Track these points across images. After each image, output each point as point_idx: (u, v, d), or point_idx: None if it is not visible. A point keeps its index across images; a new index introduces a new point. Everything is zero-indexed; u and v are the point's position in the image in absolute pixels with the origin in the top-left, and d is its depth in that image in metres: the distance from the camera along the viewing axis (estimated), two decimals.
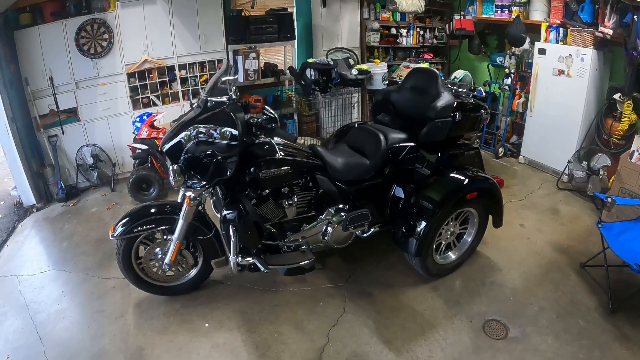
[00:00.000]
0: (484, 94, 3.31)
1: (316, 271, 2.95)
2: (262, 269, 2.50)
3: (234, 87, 2.46)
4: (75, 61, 4.20)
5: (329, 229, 2.75)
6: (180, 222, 2.51)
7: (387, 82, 5.04)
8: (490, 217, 3.04)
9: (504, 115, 5.29)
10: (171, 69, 4.65)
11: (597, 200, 3.94)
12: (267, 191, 2.58)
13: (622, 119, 4.01)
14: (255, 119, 2.36)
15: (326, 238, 2.76)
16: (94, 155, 4.43)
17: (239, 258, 2.48)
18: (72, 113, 4.36)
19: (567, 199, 4.24)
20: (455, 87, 3.22)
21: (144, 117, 4.02)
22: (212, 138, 2.16)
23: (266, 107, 2.51)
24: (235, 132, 2.22)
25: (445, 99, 2.77)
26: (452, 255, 3.02)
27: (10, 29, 3.93)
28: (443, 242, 2.92)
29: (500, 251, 3.29)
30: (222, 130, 2.18)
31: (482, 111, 2.98)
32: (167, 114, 4.37)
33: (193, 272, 2.85)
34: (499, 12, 5.15)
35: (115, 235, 2.53)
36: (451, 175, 2.83)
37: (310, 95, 4.86)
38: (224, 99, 2.33)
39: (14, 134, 3.98)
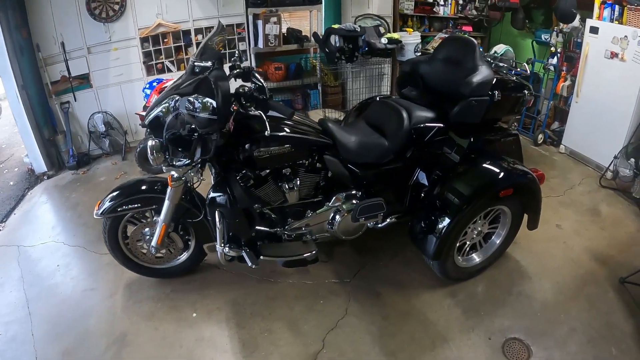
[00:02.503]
0: (527, 72, 2.75)
1: (321, 263, 2.54)
2: (250, 264, 2.09)
3: (236, 52, 2.09)
4: (87, 26, 3.87)
5: (337, 217, 2.32)
6: (166, 204, 2.13)
7: (419, 53, 4.43)
8: (526, 216, 2.50)
9: (547, 99, 4.57)
10: (187, 33, 4.23)
11: None
12: (266, 171, 2.17)
13: None
14: (245, 89, 1.92)
15: (333, 228, 2.34)
16: (105, 123, 4.12)
17: (227, 248, 2.08)
18: (84, 79, 4.06)
19: (609, 198, 3.62)
20: (495, 62, 2.66)
21: (154, 84, 3.63)
22: (191, 110, 1.74)
23: (255, 73, 2.04)
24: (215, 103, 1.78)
25: (483, 73, 2.22)
26: (476, 258, 2.52)
27: None
28: (468, 242, 2.43)
29: (532, 255, 2.77)
30: (204, 100, 1.74)
31: (526, 91, 2.45)
32: None
33: (184, 256, 2.50)
34: None
35: (99, 213, 2.21)
36: (484, 166, 2.30)
37: (335, 64, 4.34)
38: (209, 63, 1.89)
39: (24, 102, 3.75)
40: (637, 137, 3.80)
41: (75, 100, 4.05)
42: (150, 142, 1.85)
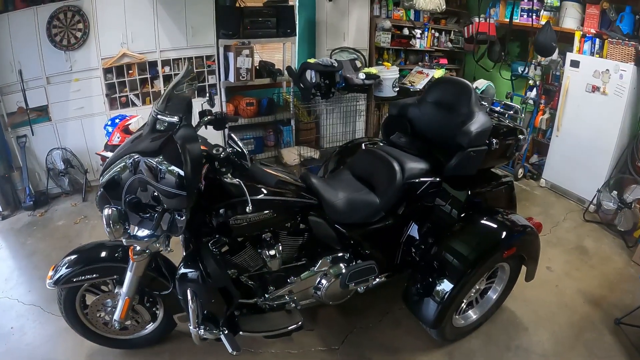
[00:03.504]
0: (518, 111, 2.63)
1: (305, 329, 2.28)
2: (230, 349, 1.79)
3: (207, 94, 1.90)
4: (47, 53, 3.52)
5: (324, 282, 2.07)
6: (129, 276, 1.82)
7: (397, 88, 4.28)
8: (524, 268, 2.33)
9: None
10: (153, 64, 3.93)
11: (630, 245, 3.28)
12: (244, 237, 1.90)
13: None
14: (219, 150, 1.66)
15: (319, 293, 2.08)
16: (64, 160, 3.74)
17: (202, 330, 1.79)
18: (42, 111, 3.68)
19: (594, 233, 3.56)
20: (489, 106, 2.52)
21: (117, 121, 3.30)
22: (154, 178, 1.46)
23: (233, 136, 1.78)
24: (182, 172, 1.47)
25: (480, 121, 2.06)
26: (472, 315, 2.32)
27: None
28: (465, 301, 2.23)
29: (526, 304, 2.61)
30: (170, 168, 1.46)
31: (521, 136, 2.31)
32: (145, 116, 3.64)
33: (151, 327, 2.18)
34: (525, 16, 4.38)
35: (52, 283, 1.87)
36: (484, 223, 2.11)
37: (310, 100, 4.12)
38: (175, 118, 1.61)
39: None
40: (618, 170, 3.77)
41: (33, 134, 3.66)
42: (106, 211, 1.55)
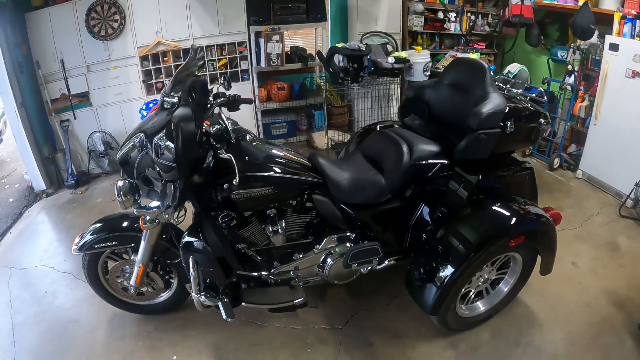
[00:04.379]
0: (543, 96, 2.48)
1: (311, 307, 2.33)
2: (225, 317, 1.87)
3: (222, 78, 1.93)
4: (87, 44, 3.77)
5: (329, 261, 2.09)
6: (143, 244, 1.95)
7: (429, 72, 4.16)
8: (539, 258, 2.21)
9: (563, 120, 4.23)
10: (187, 51, 4.02)
11: None
12: (249, 212, 1.96)
13: None
14: (215, 128, 1.72)
15: (324, 272, 2.10)
16: (104, 142, 4.00)
17: (203, 297, 1.87)
18: (84, 97, 3.96)
19: (629, 230, 3.29)
20: (507, 86, 2.40)
21: (151, 105, 3.50)
22: (153, 152, 1.55)
23: (221, 114, 1.83)
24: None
25: (493, 102, 1.96)
26: (480, 307, 2.24)
27: (21, 11, 3.57)
28: (472, 290, 2.17)
29: (544, 299, 2.48)
30: (166, 144, 1.55)
31: (542, 120, 2.18)
32: None
33: (166, 294, 2.31)
34: None
35: (77, 249, 2.06)
36: (494, 209, 2.03)
37: (339, 85, 4.12)
38: (175, 99, 1.70)
39: (24, 119, 3.67)
40: None
41: (75, 119, 3.94)
42: (118, 183, 1.68)
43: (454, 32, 4.80)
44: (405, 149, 2.04)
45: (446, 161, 2.07)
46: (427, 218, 2.16)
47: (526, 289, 2.43)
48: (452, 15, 4.70)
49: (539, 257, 2.21)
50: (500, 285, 2.26)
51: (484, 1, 4.85)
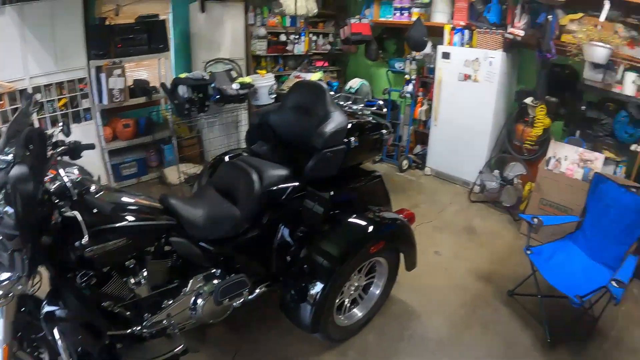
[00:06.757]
0: (382, 106, 2.90)
1: (192, 353, 2.29)
2: None
3: (61, 124, 1.84)
4: None
5: (199, 301, 2.10)
6: (1, 322, 1.74)
7: (274, 95, 4.47)
8: (402, 257, 2.55)
9: (406, 125, 4.98)
10: (24, 93, 3.65)
11: (517, 218, 3.75)
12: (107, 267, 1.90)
13: (535, 124, 3.86)
14: (56, 184, 1.67)
15: (197, 313, 2.11)
16: None
17: None
18: None
19: (481, 212, 3.99)
20: (349, 103, 2.74)
21: None
22: None
23: (59, 169, 1.78)
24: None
25: (335, 121, 2.23)
26: (358, 313, 2.48)
27: None
28: (346, 300, 2.39)
29: (416, 291, 2.84)
30: (4, 209, 1.46)
31: (383, 131, 2.54)
32: None
33: None
34: (398, 14, 4.87)
35: None
36: (350, 221, 2.29)
37: (185, 116, 4.13)
38: (10, 157, 1.60)
39: None
40: (497, 150, 4.29)
41: None
42: None
43: (296, 54, 5.24)
44: (255, 177, 2.18)
45: (297, 183, 2.25)
46: (289, 239, 2.31)
47: (397, 286, 2.74)
48: (294, 37, 5.14)
49: (402, 256, 2.54)
50: (371, 289, 2.53)
51: (324, 22, 5.43)
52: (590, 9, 3.55)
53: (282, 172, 2.27)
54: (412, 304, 2.76)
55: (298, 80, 4.31)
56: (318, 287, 2.09)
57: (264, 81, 4.40)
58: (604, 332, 2.61)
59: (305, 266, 2.17)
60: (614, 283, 2.15)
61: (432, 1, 4.56)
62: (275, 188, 2.20)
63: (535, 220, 2.68)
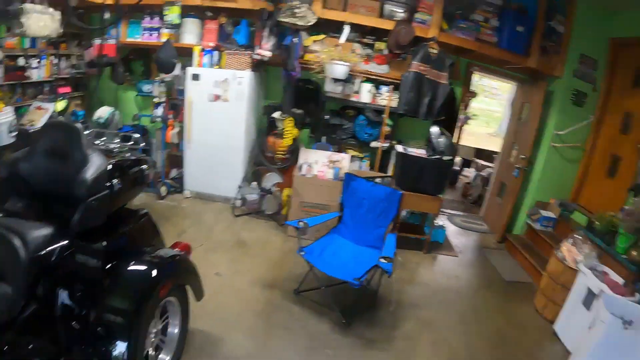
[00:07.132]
0: (138, 140, 2.82)
1: None
2: None
3: None
4: None
5: None
6: None
7: (16, 132, 3.67)
8: (189, 289, 2.56)
9: (159, 149, 4.88)
10: None
11: (282, 223, 4.18)
12: None
13: (284, 135, 4.38)
14: None
15: None
16: None
17: None
18: None
19: (248, 225, 4.31)
20: (104, 139, 2.57)
21: None
22: None
23: None
24: None
25: (95, 164, 2.07)
26: (166, 357, 2.41)
27: None
28: (150, 349, 2.26)
29: (210, 317, 2.91)
30: None
31: (144, 166, 2.49)
32: None
33: None
34: (147, 35, 4.69)
35: None
36: (132, 270, 2.17)
37: None
38: None
39: None
40: (252, 164, 4.69)
41: None
42: None
43: (37, 80, 4.37)
44: (18, 243, 1.84)
45: (65, 241, 2.01)
46: (70, 302, 2.05)
47: (193, 318, 2.71)
48: (34, 61, 4.27)
49: (188, 288, 2.55)
50: (169, 329, 2.47)
51: (67, 42, 4.69)
52: (331, 31, 4.33)
53: (46, 231, 1.97)
54: (212, 330, 2.79)
55: (49, 120, 3.71)
56: (121, 346, 1.94)
57: (3, 116, 3.54)
58: (386, 298, 3.27)
59: (99, 328, 1.97)
60: (382, 260, 2.69)
61: (183, 22, 4.57)
62: (43, 252, 1.91)
63: (301, 223, 3.10)
